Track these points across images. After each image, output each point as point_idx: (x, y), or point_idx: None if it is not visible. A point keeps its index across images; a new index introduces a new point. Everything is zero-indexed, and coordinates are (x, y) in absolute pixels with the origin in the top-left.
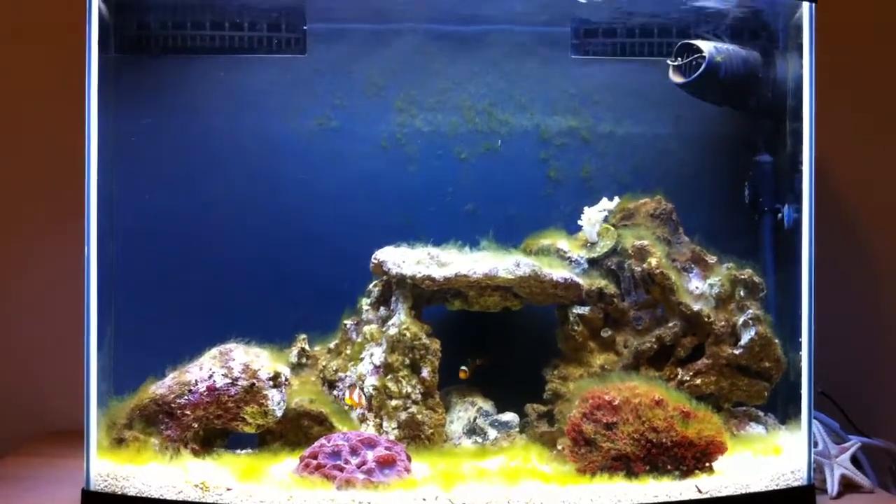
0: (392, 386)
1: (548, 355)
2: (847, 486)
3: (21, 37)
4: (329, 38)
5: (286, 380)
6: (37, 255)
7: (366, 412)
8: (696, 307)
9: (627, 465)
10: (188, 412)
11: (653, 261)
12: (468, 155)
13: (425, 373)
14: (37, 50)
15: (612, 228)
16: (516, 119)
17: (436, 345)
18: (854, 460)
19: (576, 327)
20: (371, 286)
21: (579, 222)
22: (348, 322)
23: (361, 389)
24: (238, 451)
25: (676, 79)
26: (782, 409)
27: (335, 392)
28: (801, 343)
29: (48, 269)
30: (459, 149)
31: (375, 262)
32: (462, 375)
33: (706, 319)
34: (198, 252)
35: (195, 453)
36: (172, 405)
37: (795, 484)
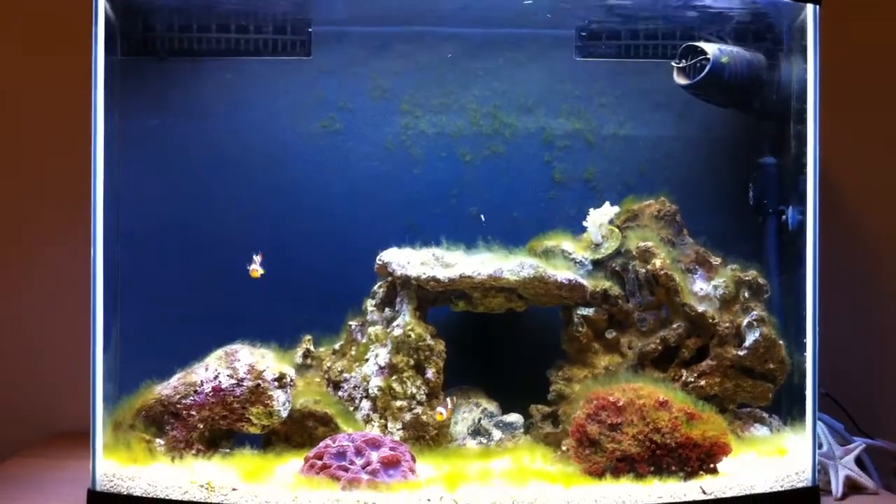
0: (397, 387)
1: (552, 356)
2: (851, 487)
3: (27, 40)
4: (334, 40)
5: (291, 380)
6: (43, 257)
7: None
8: (700, 308)
9: (632, 466)
10: (194, 413)
11: (657, 262)
12: (473, 157)
13: (430, 374)
14: (43, 53)
15: (617, 230)
16: (521, 121)
17: (440, 346)
18: (858, 462)
19: (580, 328)
20: (376, 287)
21: (584, 224)
22: (353, 323)
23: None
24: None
25: (681, 80)
26: (787, 411)
27: (340, 393)
28: (805, 344)
29: (55, 271)
30: (464, 151)
31: (380, 263)
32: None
33: (710, 321)
34: (203, 253)
35: (200, 453)
36: (178, 406)
37: (800, 485)
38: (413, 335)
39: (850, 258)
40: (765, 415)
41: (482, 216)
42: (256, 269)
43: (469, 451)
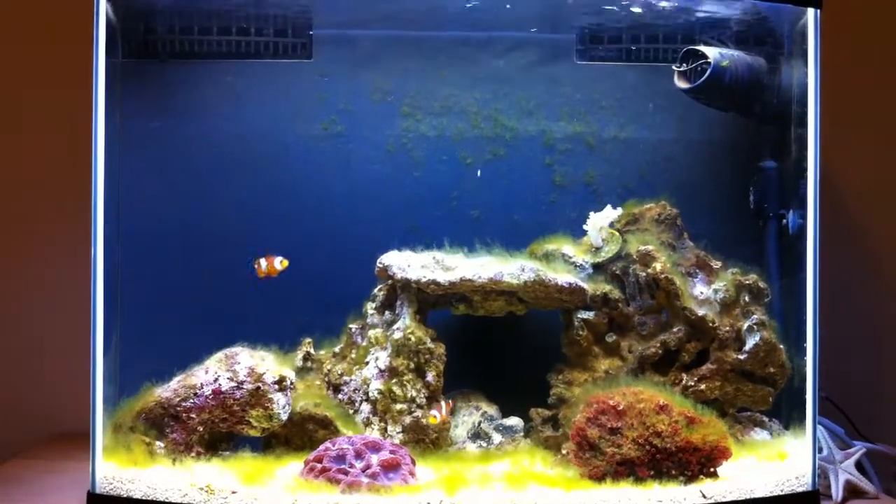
0: (397, 390)
1: (552, 360)
2: (852, 491)
3: (28, 41)
4: (335, 43)
5: (291, 383)
6: (43, 257)
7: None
8: (700, 312)
9: (632, 470)
10: (193, 415)
11: (658, 266)
12: (474, 160)
13: (430, 377)
14: (44, 54)
15: (617, 233)
16: (522, 124)
17: (440, 349)
18: (859, 466)
19: (580, 332)
20: (376, 290)
21: (584, 227)
22: (353, 326)
23: None
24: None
25: (682, 84)
26: (787, 415)
27: (340, 396)
28: (805, 348)
29: (55, 271)
30: (465, 154)
31: (381, 266)
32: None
33: (711, 324)
34: (204, 255)
35: (200, 456)
36: (178, 408)
37: (800, 489)
38: (413, 338)
39: (851, 261)
40: (765, 419)
41: (478, 172)
42: (284, 260)
43: (469, 454)
